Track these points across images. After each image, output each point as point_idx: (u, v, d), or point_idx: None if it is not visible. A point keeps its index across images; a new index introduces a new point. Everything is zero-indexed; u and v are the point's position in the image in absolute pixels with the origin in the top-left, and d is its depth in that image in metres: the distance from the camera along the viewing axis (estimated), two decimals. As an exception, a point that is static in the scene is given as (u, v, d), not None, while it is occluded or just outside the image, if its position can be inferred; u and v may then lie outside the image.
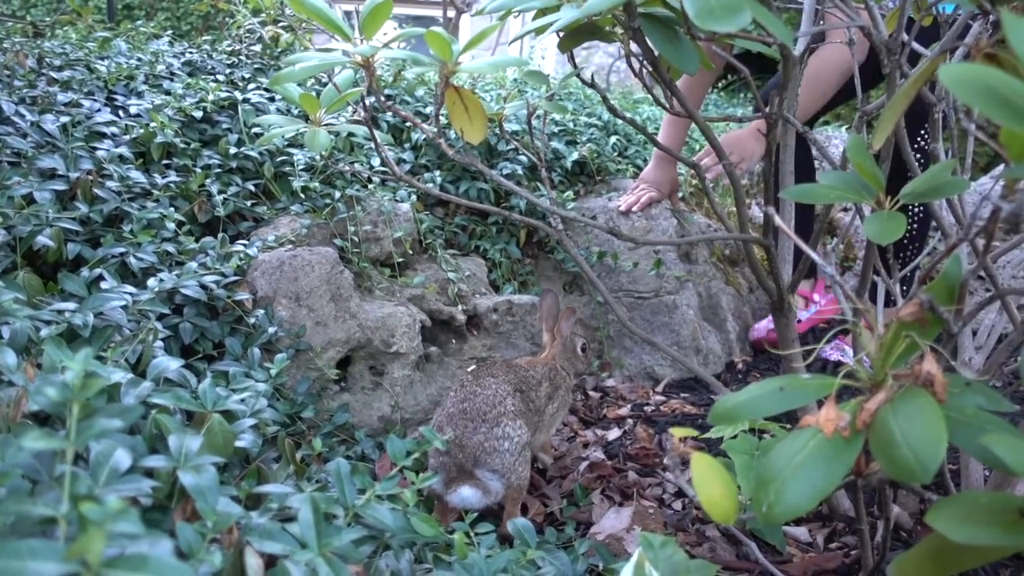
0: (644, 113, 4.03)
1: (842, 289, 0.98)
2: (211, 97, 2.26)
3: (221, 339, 1.68)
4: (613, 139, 3.21)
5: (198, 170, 2.03)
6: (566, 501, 1.70)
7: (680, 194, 2.96)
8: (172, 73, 2.51)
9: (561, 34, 1.18)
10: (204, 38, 3.01)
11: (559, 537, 1.41)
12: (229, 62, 2.75)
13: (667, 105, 1.43)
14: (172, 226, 1.81)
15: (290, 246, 1.91)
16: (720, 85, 7.76)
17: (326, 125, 1.41)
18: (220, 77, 2.53)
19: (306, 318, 1.78)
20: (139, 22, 3.47)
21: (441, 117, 1.28)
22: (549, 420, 1.76)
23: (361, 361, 1.89)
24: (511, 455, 1.49)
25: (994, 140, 0.72)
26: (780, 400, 0.85)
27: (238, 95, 2.32)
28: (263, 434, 1.44)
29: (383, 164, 1.41)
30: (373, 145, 1.99)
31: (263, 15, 2.92)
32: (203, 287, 1.64)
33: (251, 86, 2.48)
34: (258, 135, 2.20)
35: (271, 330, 1.69)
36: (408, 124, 2.68)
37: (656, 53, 1.32)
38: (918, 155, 2.40)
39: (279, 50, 2.83)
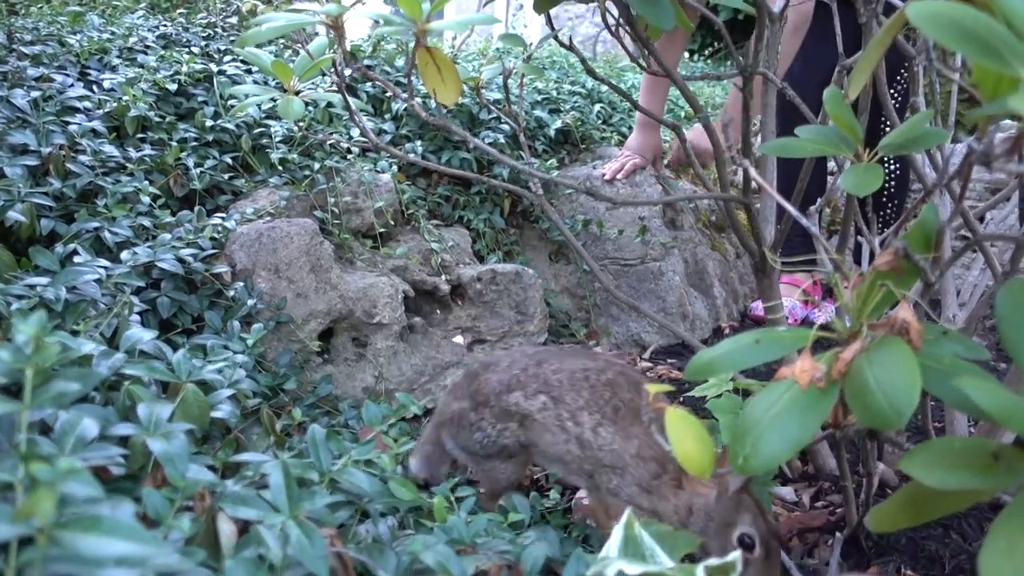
0: (628, 81, 4.00)
1: (819, 240, 0.97)
2: (186, 69, 2.22)
3: (200, 313, 1.66)
4: (597, 107, 3.19)
5: (174, 143, 2.00)
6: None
7: (664, 160, 2.94)
8: (146, 46, 2.46)
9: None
10: (179, 11, 2.96)
11: (542, 502, 1.40)
12: (204, 34, 2.70)
13: (645, 65, 1.41)
14: (147, 200, 1.78)
15: (269, 218, 1.89)
16: (706, 52, 7.72)
17: (301, 94, 1.38)
18: (195, 49, 2.49)
19: (286, 290, 1.76)
20: (114, -3, 3.41)
21: (421, 86, 1.26)
22: None
23: (344, 332, 1.88)
24: None
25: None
26: (756, 353, 0.84)
27: (213, 67, 2.28)
28: (243, 406, 1.43)
29: (362, 134, 1.39)
30: (352, 118, 1.96)
31: (239, -14, 2.88)
32: (180, 260, 1.62)
33: (227, 58, 2.45)
34: (234, 107, 2.17)
35: (250, 302, 1.68)
36: (388, 95, 2.65)
37: (633, 12, 1.31)
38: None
39: (256, 22, 2.78)
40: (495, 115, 2.67)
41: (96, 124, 1.90)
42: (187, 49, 2.49)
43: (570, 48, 1.47)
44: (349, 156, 2.24)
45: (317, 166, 2.11)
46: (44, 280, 1.34)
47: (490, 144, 2.55)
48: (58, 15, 2.73)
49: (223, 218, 1.83)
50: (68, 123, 1.87)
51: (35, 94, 1.90)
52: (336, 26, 1.18)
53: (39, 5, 3.42)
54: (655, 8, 1.15)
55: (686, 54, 6.40)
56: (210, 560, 0.76)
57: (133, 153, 1.90)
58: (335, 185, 2.09)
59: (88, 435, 0.79)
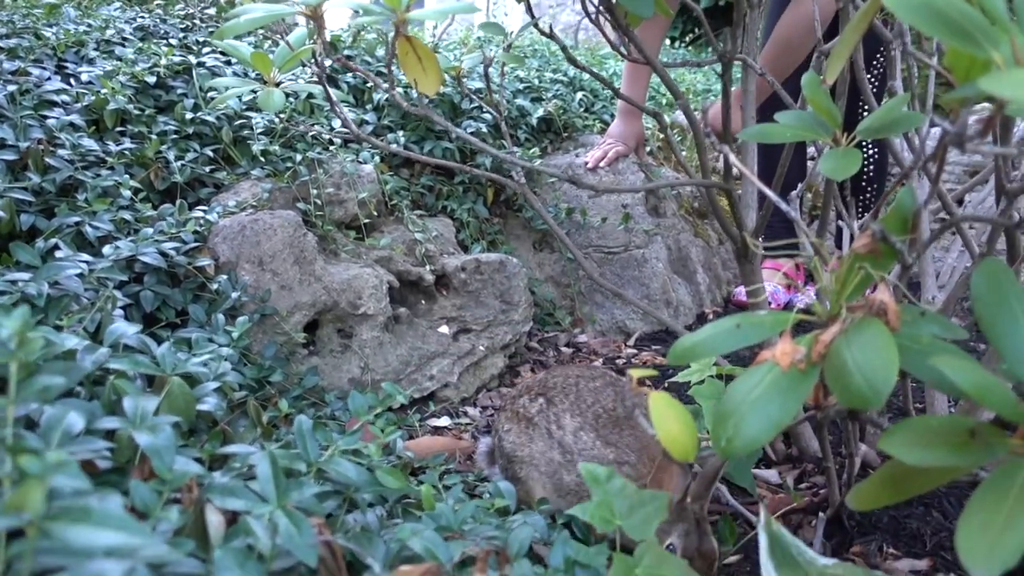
0: (610, 68, 4.00)
1: (799, 225, 0.98)
2: (164, 62, 2.20)
3: (184, 306, 1.65)
4: (579, 95, 3.19)
5: (153, 137, 1.99)
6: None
7: (647, 148, 2.95)
8: (124, 38, 2.44)
9: (513, -21, 1.16)
10: (156, 2, 2.93)
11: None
12: (183, 26, 2.68)
13: (626, 52, 1.42)
14: (128, 194, 1.77)
15: (251, 211, 1.88)
16: (687, 39, 7.73)
17: (281, 85, 1.38)
18: (173, 41, 2.47)
19: (270, 282, 1.76)
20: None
21: (402, 76, 1.25)
22: None
23: (329, 324, 1.88)
24: None
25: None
26: (737, 337, 0.85)
27: (192, 59, 2.27)
28: (229, 398, 1.43)
29: (344, 125, 1.38)
30: (331, 106, 1.96)
31: (216, -23, 2.85)
32: (162, 254, 1.61)
33: (206, 50, 2.43)
34: (214, 99, 2.15)
35: (235, 295, 1.67)
36: (369, 85, 2.64)
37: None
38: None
39: (234, 13, 2.76)
40: (477, 104, 2.67)
41: (74, 118, 1.89)
42: (165, 41, 2.47)
43: (551, 36, 1.48)
44: (331, 147, 2.24)
45: (299, 158, 2.10)
46: (26, 275, 1.33)
47: (472, 133, 2.55)
48: (33, 7, 2.70)
49: (205, 211, 1.82)
50: (46, 117, 1.85)
51: (12, 88, 1.88)
52: (315, 16, 1.18)
53: (13, -1, 3.38)
54: (634, -5, 1.16)
55: (667, 41, 6.41)
56: (199, 551, 0.77)
57: (113, 147, 1.89)
58: (317, 177, 2.09)
59: (74, 429, 0.79)
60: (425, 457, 1.51)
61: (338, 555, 0.81)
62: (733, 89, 1.37)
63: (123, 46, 2.37)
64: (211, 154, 2.06)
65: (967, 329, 0.84)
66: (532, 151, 2.65)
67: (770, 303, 2.62)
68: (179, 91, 2.20)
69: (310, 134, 2.22)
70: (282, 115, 2.22)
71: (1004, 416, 0.64)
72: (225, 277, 1.71)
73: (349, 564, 0.88)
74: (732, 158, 1.04)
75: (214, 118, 2.11)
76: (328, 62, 2.23)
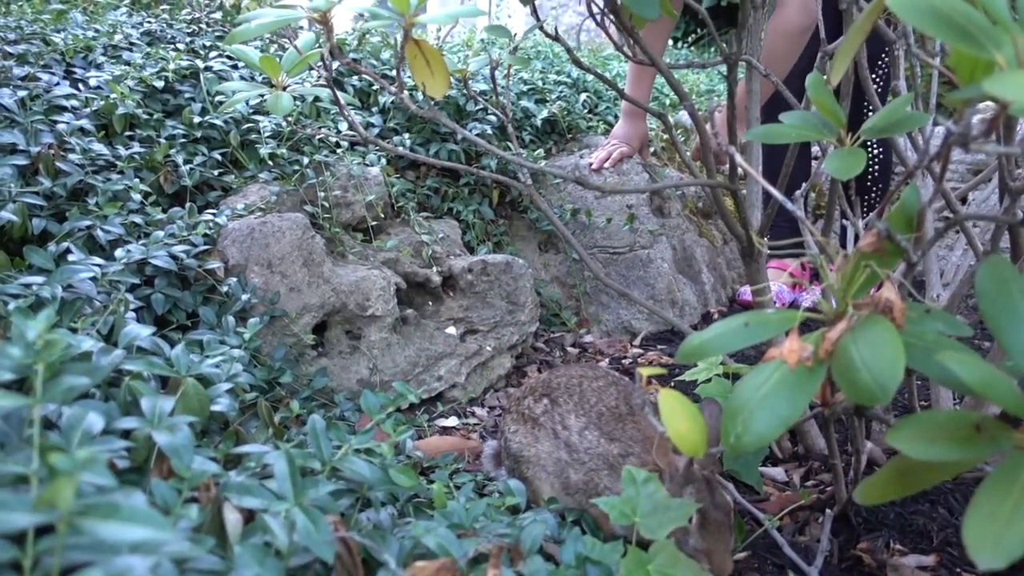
0: (614, 69, 4.01)
1: (804, 224, 0.99)
2: (172, 66, 2.22)
3: (194, 309, 1.67)
4: (583, 96, 3.20)
5: (162, 141, 2.00)
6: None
7: (651, 149, 2.96)
8: (131, 43, 2.45)
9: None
10: (162, 7, 2.94)
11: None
12: (189, 30, 2.69)
13: (630, 54, 1.43)
14: (138, 198, 1.79)
15: (260, 213, 1.90)
16: (690, 40, 7.74)
17: (289, 89, 1.39)
18: (180, 46, 2.49)
19: (279, 284, 1.77)
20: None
21: (408, 79, 1.27)
22: None
23: (337, 325, 1.89)
24: None
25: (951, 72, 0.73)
26: (745, 335, 0.86)
27: (200, 63, 2.28)
28: (241, 400, 1.44)
29: (350, 128, 1.40)
30: (338, 109, 1.97)
31: (222, -19, 2.87)
32: (173, 257, 1.63)
33: (213, 54, 2.44)
34: (222, 103, 2.17)
35: (244, 297, 1.69)
36: (375, 87, 2.65)
37: (617, 1, 1.32)
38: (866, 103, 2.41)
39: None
40: (482, 106, 2.68)
41: (84, 122, 1.90)
42: (172, 46, 2.49)
43: (555, 38, 1.49)
44: (338, 150, 2.25)
45: (306, 161, 2.12)
46: (40, 279, 1.34)
47: (477, 135, 2.56)
48: (40, 13, 2.72)
49: (214, 214, 1.84)
50: (56, 122, 1.87)
51: (22, 93, 1.90)
52: (324, 21, 1.19)
53: (19, 3, 3.40)
54: (639, -3, 1.17)
55: (670, 41, 6.41)
56: (217, 548, 0.78)
57: (122, 151, 1.91)
58: (325, 179, 2.10)
59: (94, 429, 0.81)
60: (434, 457, 1.53)
61: (354, 552, 0.83)
62: (737, 90, 1.38)
63: (130, 51, 2.39)
64: (219, 158, 2.08)
65: (972, 326, 0.85)
66: (537, 153, 2.66)
67: (775, 302, 2.62)
68: (187, 95, 2.22)
69: (317, 137, 2.23)
70: (289, 119, 2.23)
71: (1009, 410, 0.65)
72: (235, 280, 1.72)
73: (364, 562, 0.89)
74: (738, 158, 1.05)
75: (222, 122, 2.13)
76: (335, 64, 2.25)
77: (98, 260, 1.50)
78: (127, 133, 2.01)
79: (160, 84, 2.16)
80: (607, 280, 1.61)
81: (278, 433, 1.33)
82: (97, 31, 2.49)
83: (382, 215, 2.22)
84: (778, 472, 1.59)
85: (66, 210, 1.69)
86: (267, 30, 1.12)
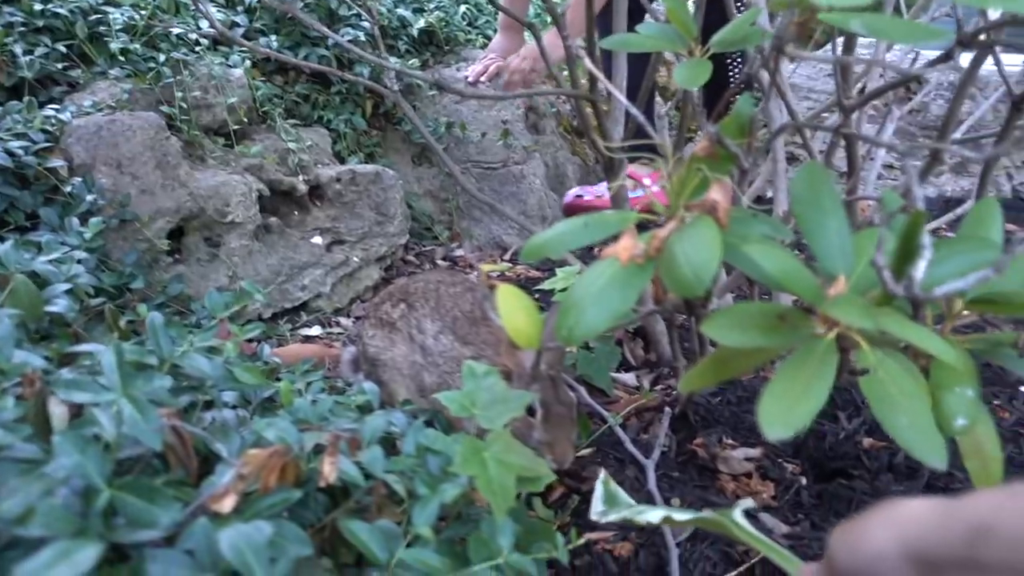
0: (496, -17, 3.93)
1: (648, 128, 1.02)
2: (8, -54, 2.03)
3: (34, 209, 1.57)
4: (463, 8, 3.14)
5: (-2, 28, 1.84)
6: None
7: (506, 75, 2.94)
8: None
9: None
10: None
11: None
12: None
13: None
14: (-32, 88, 1.65)
15: (109, 111, 1.79)
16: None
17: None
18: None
19: (130, 186, 1.69)
20: None
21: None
22: None
23: (195, 232, 1.83)
24: None
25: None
26: (584, 234, 0.89)
27: (40, -55, 2.09)
28: (85, 304, 1.38)
29: (211, 25, 1.32)
30: (195, 3, 1.86)
31: None
32: (8, 153, 1.52)
33: (56, -64, 2.24)
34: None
35: (90, 198, 1.60)
36: (240, -15, 2.51)
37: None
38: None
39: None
40: (355, 11, 2.59)
41: (-97, 3, 1.73)
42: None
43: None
44: (198, 49, 2.13)
45: (163, 58, 2.00)
46: None
47: (349, 42, 2.47)
48: None
49: (57, 110, 1.72)
50: None
51: None
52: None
53: None
54: None
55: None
56: (40, 441, 0.76)
57: (-51, 37, 1.75)
58: (183, 79, 1.99)
59: (-101, 319, 0.76)
60: (293, 364, 1.52)
61: (187, 443, 0.82)
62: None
63: (-40, -73, 2.16)
64: (64, 50, 1.93)
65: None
66: (412, 63, 2.61)
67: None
68: (26, -20, 2.04)
69: (175, 33, 2.10)
70: (143, 11, 2.09)
71: (805, 299, 0.70)
72: (80, 180, 1.63)
73: (204, 459, 0.89)
74: (590, 65, 1.07)
75: (67, 11, 1.97)
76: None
77: (-81, 152, 1.39)
78: (-44, 18, 1.84)
79: (-6, -34, 1.97)
80: (477, 193, 1.62)
81: (123, 336, 1.28)
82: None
83: (246, 120, 2.13)
84: (629, 377, 1.67)
85: None
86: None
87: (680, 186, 0.90)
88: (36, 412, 0.80)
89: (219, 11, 2.36)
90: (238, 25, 2.38)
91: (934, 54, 0.93)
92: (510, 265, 1.47)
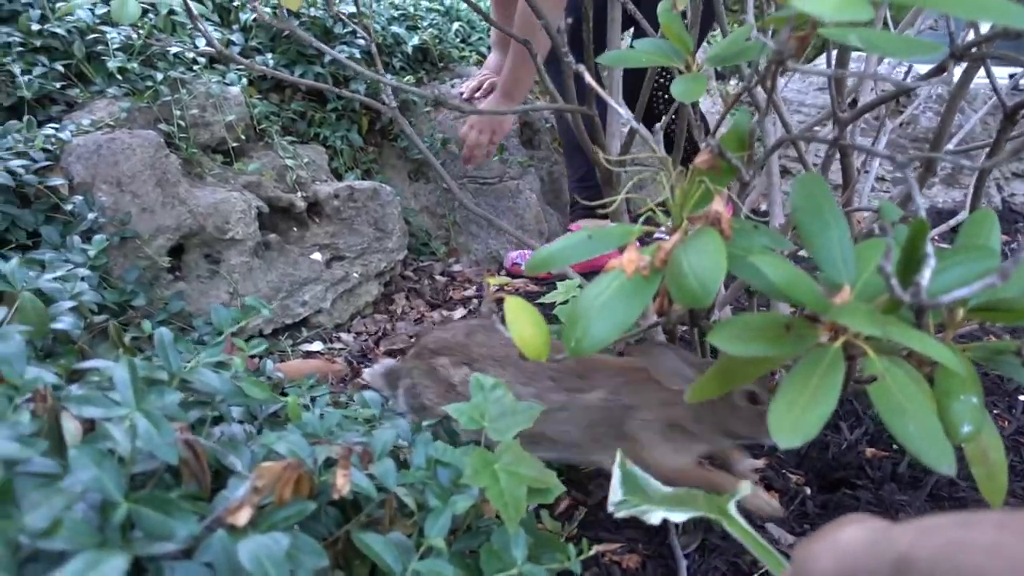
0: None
1: (647, 140, 1.04)
2: (6, -33, 2.04)
3: (35, 228, 1.57)
4: (456, 25, 3.16)
5: (-4, 48, 1.85)
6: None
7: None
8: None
9: None
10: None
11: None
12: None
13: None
14: (-31, 108, 1.66)
15: (108, 130, 1.80)
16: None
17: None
18: (16, -53, 2.28)
19: (130, 204, 1.69)
20: None
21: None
22: None
23: (195, 249, 1.83)
24: None
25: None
26: (589, 247, 0.91)
27: (38, -34, 2.11)
28: (89, 321, 1.39)
29: (208, 43, 1.33)
30: (192, 22, 1.87)
31: None
32: (10, 172, 1.53)
33: (54, -43, 2.26)
34: (62, 7, 2.02)
35: (91, 216, 1.60)
36: (236, 3, 2.53)
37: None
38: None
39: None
40: (350, 29, 2.61)
41: (-97, 24, 1.74)
42: (6, -55, 2.28)
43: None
44: (195, 67, 2.15)
45: (160, 77, 2.01)
46: None
47: (345, 58, 2.49)
48: None
49: (57, 128, 1.73)
50: None
51: None
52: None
53: None
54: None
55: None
56: (55, 455, 0.76)
57: (-51, 57, 1.75)
58: (180, 97, 2.00)
59: (-86, 337, 0.76)
60: (296, 379, 1.52)
61: (201, 457, 0.83)
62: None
63: (-43, -52, 2.17)
64: (62, 70, 1.94)
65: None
66: (407, 80, 2.62)
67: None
68: (23, 0, 2.05)
69: (172, 52, 2.12)
70: (141, 31, 2.10)
71: (811, 308, 0.71)
72: (80, 198, 1.63)
73: (216, 473, 0.89)
74: (589, 79, 1.08)
75: (64, 31, 1.98)
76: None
77: (-78, 172, 1.39)
78: (-45, 38, 1.85)
79: (-8, -14, 1.98)
80: (474, 207, 1.63)
81: (128, 352, 1.29)
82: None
83: (243, 137, 2.14)
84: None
85: None
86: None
87: (683, 198, 0.92)
88: (50, 427, 0.80)
89: (215, 29, 2.38)
90: (234, 43, 2.39)
91: (924, 67, 0.95)
92: (509, 279, 1.48)
